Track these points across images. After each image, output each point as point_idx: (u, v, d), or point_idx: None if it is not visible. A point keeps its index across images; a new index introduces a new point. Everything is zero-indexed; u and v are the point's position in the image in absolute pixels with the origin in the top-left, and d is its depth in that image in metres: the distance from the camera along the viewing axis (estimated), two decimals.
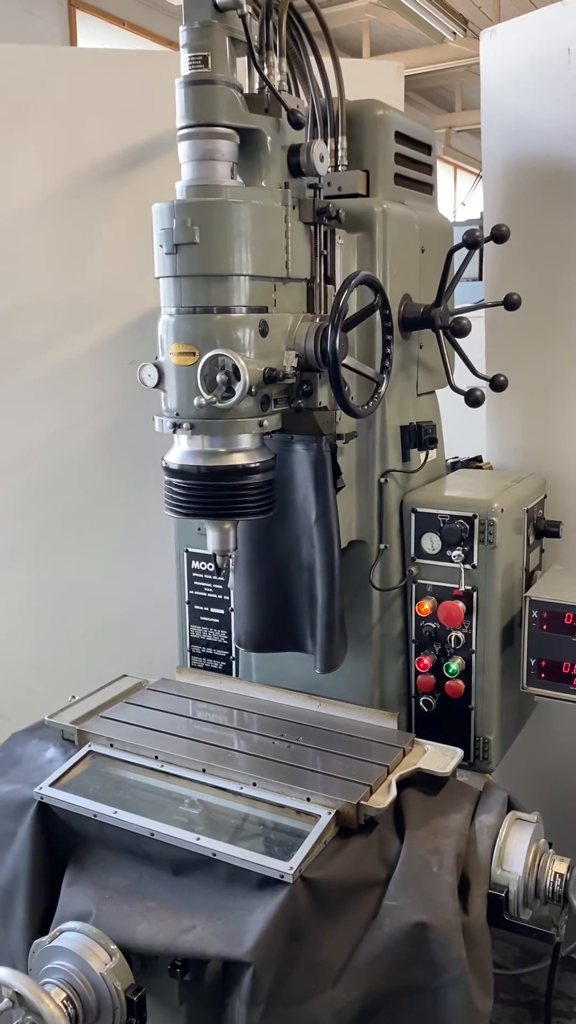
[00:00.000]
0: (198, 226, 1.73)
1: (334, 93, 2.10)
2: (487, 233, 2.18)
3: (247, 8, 1.73)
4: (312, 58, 2.06)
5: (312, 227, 1.95)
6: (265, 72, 1.86)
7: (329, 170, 2.10)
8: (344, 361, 1.88)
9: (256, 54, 1.82)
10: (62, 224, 2.84)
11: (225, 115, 1.77)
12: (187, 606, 2.53)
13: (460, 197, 16.39)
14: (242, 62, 1.85)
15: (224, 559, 1.99)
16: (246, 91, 1.85)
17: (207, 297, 1.78)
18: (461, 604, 2.14)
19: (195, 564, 2.50)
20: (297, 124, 1.84)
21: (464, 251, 2.18)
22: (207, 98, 1.75)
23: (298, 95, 2.08)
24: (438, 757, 1.97)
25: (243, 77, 1.86)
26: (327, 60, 2.07)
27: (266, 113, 1.85)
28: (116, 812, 1.80)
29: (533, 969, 2.74)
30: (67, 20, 9.71)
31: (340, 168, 2.14)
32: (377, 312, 2.02)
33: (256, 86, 1.89)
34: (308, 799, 1.80)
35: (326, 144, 2.04)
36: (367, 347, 2.10)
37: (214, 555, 1.99)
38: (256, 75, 1.87)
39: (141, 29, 10.41)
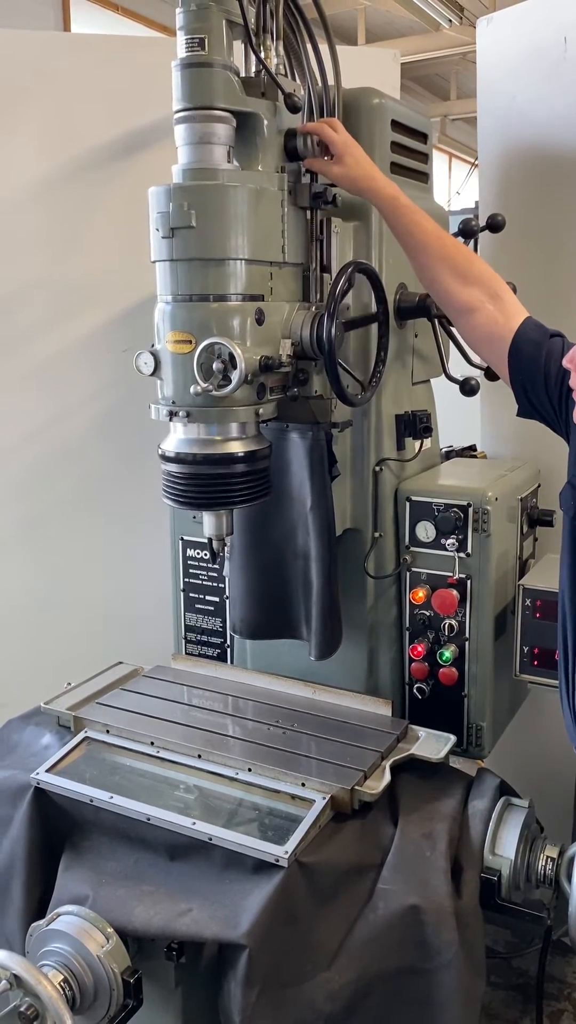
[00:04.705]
0: (194, 210, 1.73)
1: (330, 81, 2.09)
2: (483, 222, 2.19)
3: None
4: (309, 45, 2.06)
5: (308, 212, 1.95)
6: (262, 55, 1.85)
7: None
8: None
9: (253, 37, 1.81)
10: (56, 211, 2.82)
11: (222, 98, 1.76)
12: (182, 594, 2.54)
13: (455, 186, 16.32)
14: (239, 47, 1.84)
15: (220, 544, 2.00)
16: (243, 75, 1.84)
17: (203, 285, 1.78)
18: (455, 592, 2.15)
19: (190, 552, 2.50)
20: (294, 108, 1.84)
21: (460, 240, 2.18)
22: (204, 81, 1.75)
23: (294, 82, 2.07)
24: (431, 743, 1.99)
25: (240, 61, 1.85)
26: (323, 48, 2.07)
27: (263, 97, 1.85)
28: (112, 797, 1.81)
29: (524, 953, 2.77)
30: (61, 4, 9.62)
31: None
32: (373, 298, 2.02)
33: (253, 70, 1.88)
34: (303, 784, 1.81)
35: None
36: (363, 336, 2.11)
37: (210, 540, 2.00)
38: (253, 59, 1.85)
39: (135, 14, 10.31)
